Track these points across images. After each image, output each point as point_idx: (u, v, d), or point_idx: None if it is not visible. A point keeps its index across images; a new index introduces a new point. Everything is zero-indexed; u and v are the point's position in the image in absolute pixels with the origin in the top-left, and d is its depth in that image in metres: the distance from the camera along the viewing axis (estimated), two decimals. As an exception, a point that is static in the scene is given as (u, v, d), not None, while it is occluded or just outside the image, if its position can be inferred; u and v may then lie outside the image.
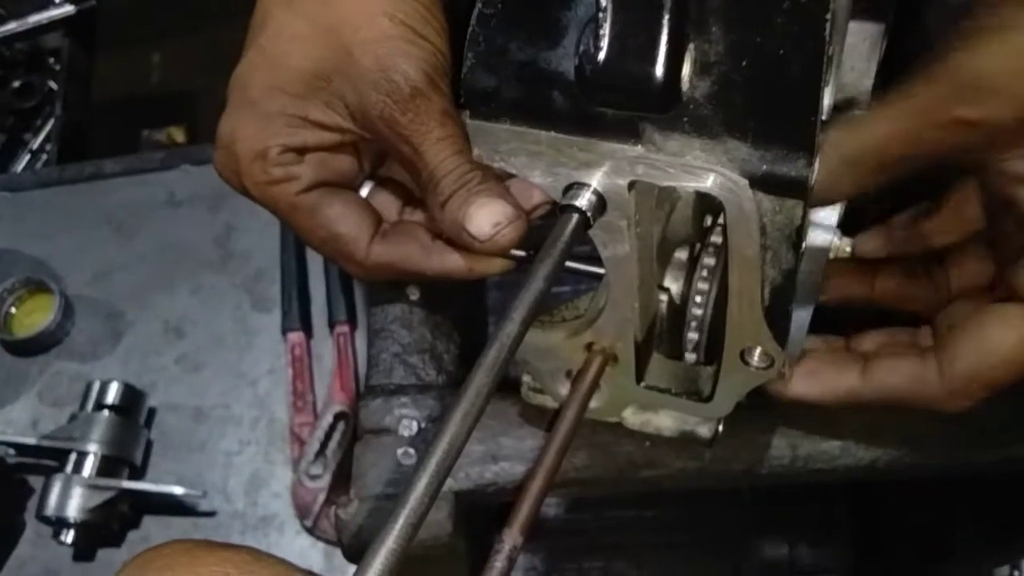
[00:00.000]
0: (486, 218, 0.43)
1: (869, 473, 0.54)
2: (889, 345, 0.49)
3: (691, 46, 0.31)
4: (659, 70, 0.31)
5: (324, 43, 0.46)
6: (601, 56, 0.31)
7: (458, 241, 0.45)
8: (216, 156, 0.49)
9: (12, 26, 1.19)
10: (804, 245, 0.39)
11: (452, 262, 0.47)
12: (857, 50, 0.56)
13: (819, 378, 0.47)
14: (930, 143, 0.38)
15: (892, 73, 0.43)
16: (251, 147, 0.47)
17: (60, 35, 1.21)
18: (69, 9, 1.20)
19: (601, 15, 0.31)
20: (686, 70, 0.31)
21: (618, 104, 0.33)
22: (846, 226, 0.53)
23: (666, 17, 0.30)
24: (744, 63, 0.32)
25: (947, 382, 0.45)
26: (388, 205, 0.52)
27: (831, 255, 0.53)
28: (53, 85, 1.20)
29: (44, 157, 1.17)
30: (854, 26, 0.55)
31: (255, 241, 0.96)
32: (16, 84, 1.20)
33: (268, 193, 0.48)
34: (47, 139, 1.18)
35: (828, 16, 0.29)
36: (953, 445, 0.55)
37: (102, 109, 1.41)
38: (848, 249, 0.56)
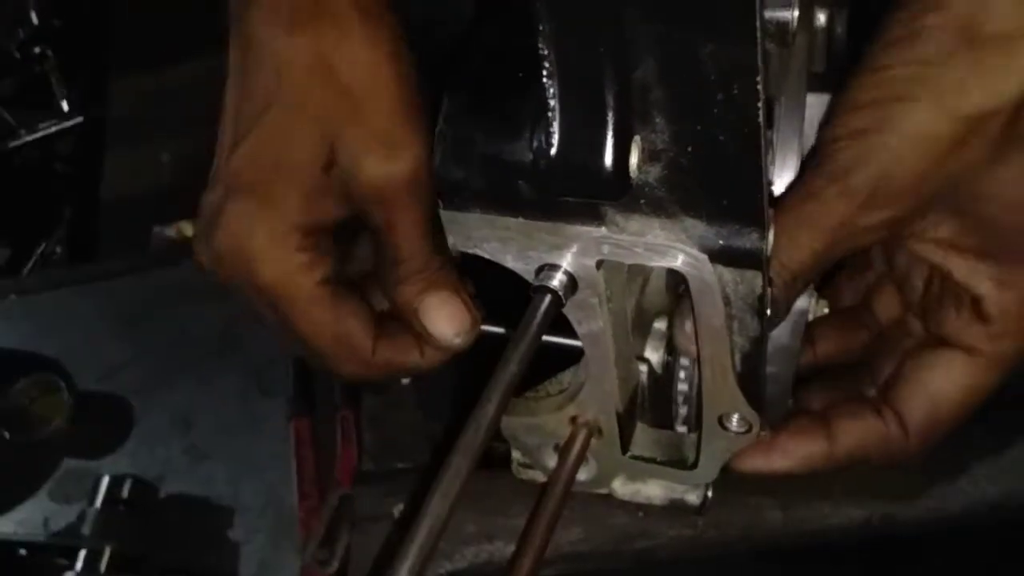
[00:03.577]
0: (447, 322, 0.44)
1: (864, 531, 0.55)
2: (839, 402, 0.50)
3: (638, 137, 0.34)
4: (608, 161, 0.33)
5: (329, 103, 0.41)
6: (553, 151, 0.33)
7: (408, 323, 0.44)
8: (214, 244, 0.42)
9: (24, 136, 1.25)
10: (767, 312, 0.41)
11: (442, 355, 0.46)
12: (818, 120, 0.59)
13: (785, 450, 0.48)
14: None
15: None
16: (271, 230, 0.41)
17: (70, 143, 1.27)
18: (78, 119, 1.25)
19: (550, 114, 0.33)
20: (635, 158, 0.33)
21: (573, 193, 0.36)
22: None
23: (610, 112, 0.32)
24: (689, 149, 0.34)
25: (912, 437, 0.46)
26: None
27: (810, 316, 0.55)
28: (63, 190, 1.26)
29: (55, 259, 1.21)
30: (812, 98, 0.58)
31: (261, 328, 0.98)
32: (27, 191, 1.25)
33: (289, 283, 0.42)
34: (57, 242, 1.22)
35: (759, 104, 0.31)
36: (947, 497, 0.56)
37: (114, 208, 1.45)
38: (826, 310, 0.57)
